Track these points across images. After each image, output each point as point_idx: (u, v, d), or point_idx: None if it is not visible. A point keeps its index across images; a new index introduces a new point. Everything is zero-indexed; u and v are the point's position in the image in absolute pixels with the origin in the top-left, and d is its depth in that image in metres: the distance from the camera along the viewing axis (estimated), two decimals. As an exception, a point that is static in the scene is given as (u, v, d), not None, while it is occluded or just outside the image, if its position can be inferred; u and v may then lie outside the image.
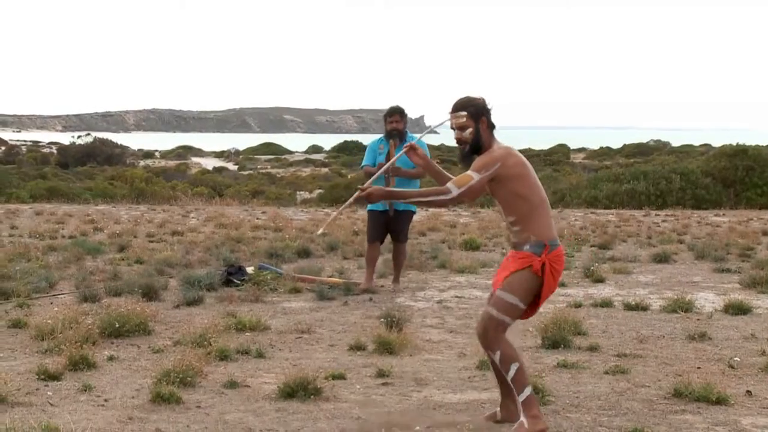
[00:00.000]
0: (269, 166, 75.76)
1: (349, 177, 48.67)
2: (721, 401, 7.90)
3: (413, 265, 15.70)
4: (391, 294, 13.42)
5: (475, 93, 7.45)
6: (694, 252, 18.34)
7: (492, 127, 7.47)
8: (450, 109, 7.47)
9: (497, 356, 7.00)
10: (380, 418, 7.38)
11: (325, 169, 67.26)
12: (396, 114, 13.71)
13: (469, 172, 7.31)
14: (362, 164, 14.31)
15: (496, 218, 26.06)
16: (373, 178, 8.03)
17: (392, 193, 7.90)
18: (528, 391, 6.92)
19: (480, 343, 7.18)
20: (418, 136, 13.45)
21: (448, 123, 7.38)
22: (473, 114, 7.38)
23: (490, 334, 7.01)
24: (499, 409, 7.43)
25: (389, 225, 13.89)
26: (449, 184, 7.35)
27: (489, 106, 7.48)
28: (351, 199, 7.46)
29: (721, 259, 17.20)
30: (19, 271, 14.68)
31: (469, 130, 7.40)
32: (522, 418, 6.87)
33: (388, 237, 14.09)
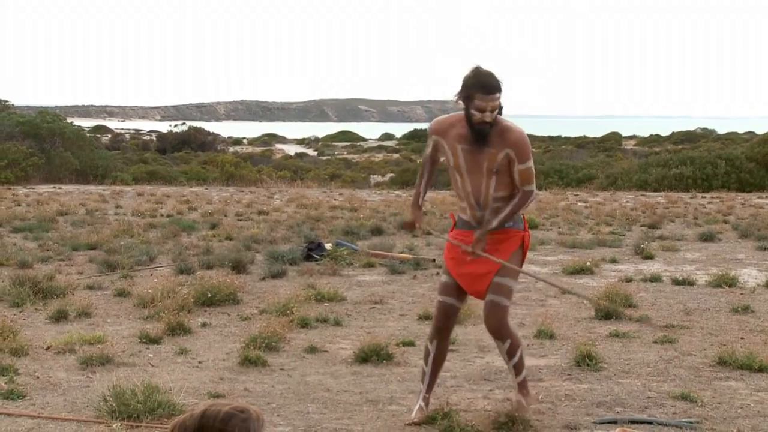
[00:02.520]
0: (345, 152, 75.70)
1: (417, 162, 48.50)
2: (763, 369, 7.83)
3: (477, 242, 15.62)
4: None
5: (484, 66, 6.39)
6: (738, 231, 18.13)
7: None
8: (484, 91, 6.33)
9: (506, 345, 6.42)
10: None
11: (396, 155, 67.07)
12: None
13: (529, 165, 6.53)
14: None
15: (553, 199, 25.90)
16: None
17: (492, 227, 6.54)
18: (525, 371, 6.52)
19: (494, 334, 6.48)
20: None
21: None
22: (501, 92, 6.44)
23: (505, 322, 6.44)
24: (423, 404, 6.63)
25: None
26: (526, 188, 6.49)
27: None
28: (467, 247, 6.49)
29: (764, 238, 16.98)
30: (123, 246, 14.91)
31: (497, 110, 6.45)
32: (519, 397, 6.44)
33: None
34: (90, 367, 7.90)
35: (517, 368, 6.51)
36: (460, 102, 6.51)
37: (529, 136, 15.55)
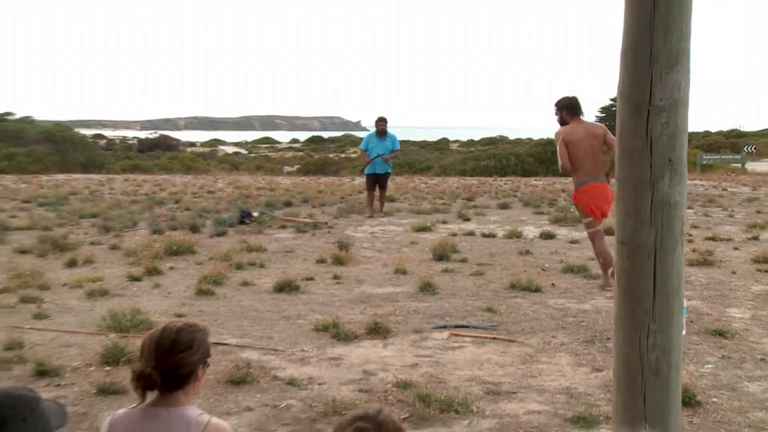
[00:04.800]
0: (266, 151, 74.78)
1: (315, 157, 48.21)
2: (537, 290, 8.05)
3: (355, 210, 15.66)
4: (342, 228, 13.38)
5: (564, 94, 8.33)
6: (522, 202, 18.52)
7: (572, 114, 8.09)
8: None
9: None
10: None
11: (300, 153, 66.61)
12: (383, 121, 14.90)
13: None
14: (360, 147, 15.77)
15: (405, 182, 26.04)
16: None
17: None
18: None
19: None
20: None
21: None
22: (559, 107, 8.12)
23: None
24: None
25: (378, 181, 14.96)
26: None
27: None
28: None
29: (538, 206, 17.40)
30: (115, 215, 14.55)
31: (557, 116, 8.11)
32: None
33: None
34: (93, 297, 7.72)
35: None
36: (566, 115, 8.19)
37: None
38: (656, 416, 2.65)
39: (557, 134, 8.00)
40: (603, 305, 7.45)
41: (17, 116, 42.42)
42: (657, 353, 2.67)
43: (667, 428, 2.63)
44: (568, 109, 8.06)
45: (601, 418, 4.55)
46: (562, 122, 8.13)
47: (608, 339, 6.15)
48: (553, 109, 8.19)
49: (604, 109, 57.56)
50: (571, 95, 8.15)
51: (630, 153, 2.73)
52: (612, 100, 55.54)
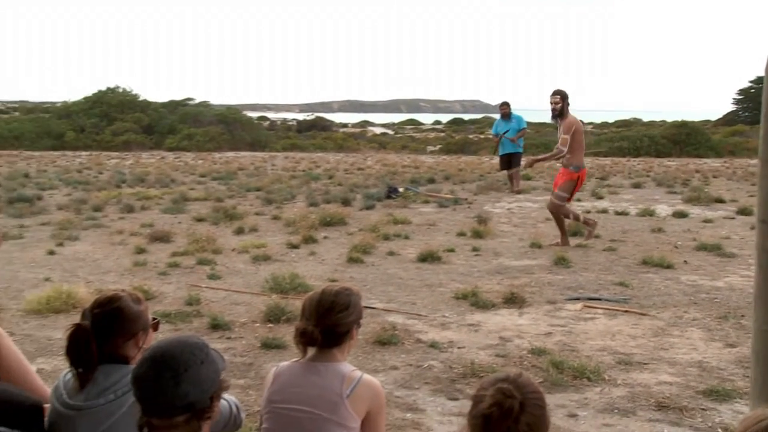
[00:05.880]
0: (412, 132, 75.08)
1: (456, 138, 47.91)
2: (669, 267, 7.70)
3: (493, 187, 15.49)
4: (481, 204, 13.27)
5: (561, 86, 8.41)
6: (655, 182, 17.71)
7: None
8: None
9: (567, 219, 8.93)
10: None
11: (443, 134, 66.41)
12: (505, 105, 15.03)
13: (564, 135, 8.51)
14: (492, 132, 16.29)
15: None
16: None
17: (538, 159, 9.67)
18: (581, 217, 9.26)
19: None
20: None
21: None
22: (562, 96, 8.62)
23: (559, 209, 8.88)
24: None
25: (510, 160, 15.01)
26: (560, 146, 8.61)
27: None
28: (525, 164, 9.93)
29: (671, 186, 16.58)
30: (276, 189, 15.05)
31: (559, 105, 8.56)
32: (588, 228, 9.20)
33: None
34: (257, 261, 8.03)
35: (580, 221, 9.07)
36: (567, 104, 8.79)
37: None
38: (796, 395, 2.47)
39: (577, 122, 8.58)
40: (737, 283, 7.02)
41: (196, 101, 44.60)
42: (798, 333, 2.48)
43: (807, 408, 2.44)
44: (568, 100, 8.55)
45: (735, 392, 4.29)
46: (561, 111, 8.55)
47: (743, 316, 5.80)
48: (554, 97, 8.53)
49: (742, 92, 53.92)
50: (563, 89, 8.80)
51: (775, 133, 2.54)
52: (751, 82, 51.80)
